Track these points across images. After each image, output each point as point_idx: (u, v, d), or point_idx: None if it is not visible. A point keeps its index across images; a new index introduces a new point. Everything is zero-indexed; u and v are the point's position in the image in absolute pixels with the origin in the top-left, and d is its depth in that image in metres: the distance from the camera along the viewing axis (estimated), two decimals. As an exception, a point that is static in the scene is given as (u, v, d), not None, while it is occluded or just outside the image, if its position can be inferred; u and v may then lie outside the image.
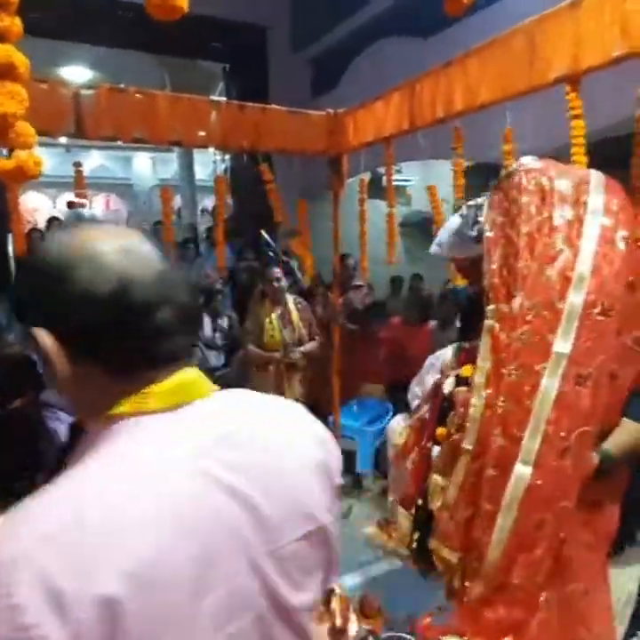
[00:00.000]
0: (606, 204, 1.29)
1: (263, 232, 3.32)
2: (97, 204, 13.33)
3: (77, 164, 2.64)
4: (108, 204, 14.03)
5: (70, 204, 8.38)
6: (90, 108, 2.45)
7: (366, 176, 3.47)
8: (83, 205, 2.64)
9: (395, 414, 3.19)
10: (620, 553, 1.46)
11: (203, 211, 11.53)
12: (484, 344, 1.35)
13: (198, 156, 11.84)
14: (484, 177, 4.12)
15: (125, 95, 2.54)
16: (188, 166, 11.64)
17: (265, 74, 6.71)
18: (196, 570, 0.53)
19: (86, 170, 2.67)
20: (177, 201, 11.47)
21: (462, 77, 2.22)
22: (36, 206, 12.42)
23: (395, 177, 3.14)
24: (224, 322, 4.93)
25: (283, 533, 0.61)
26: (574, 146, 1.90)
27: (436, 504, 1.49)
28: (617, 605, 1.54)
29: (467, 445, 1.36)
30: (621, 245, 1.27)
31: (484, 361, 1.35)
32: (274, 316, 3.69)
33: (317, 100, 5.89)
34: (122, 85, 2.59)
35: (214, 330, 4.90)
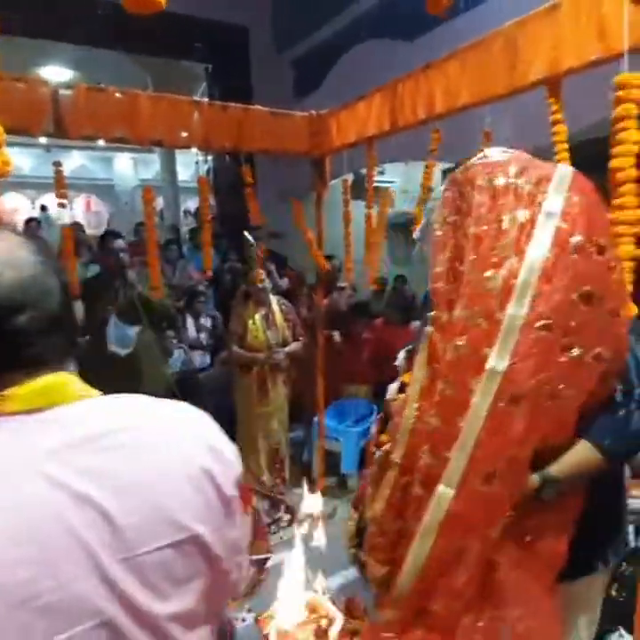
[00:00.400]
0: (566, 206, 1.15)
1: (246, 233, 3.30)
2: (77, 205, 13.15)
3: (57, 164, 2.60)
4: (88, 205, 13.84)
5: (43, 208, 8.23)
6: (69, 107, 2.43)
7: (349, 177, 3.48)
8: (63, 206, 2.60)
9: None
10: (580, 579, 1.35)
11: (185, 212, 11.45)
12: (422, 352, 1.25)
13: (180, 156, 11.75)
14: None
15: (105, 95, 2.52)
16: (170, 167, 11.54)
17: (247, 74, 6.70)
18: (29, 574, 0.53)
19: (67, 170, 2.63)
20: (159, 202, 11.37)
21: (443, 79, 2.24)
22: (15, 207, 12.22)
23: (378, 178, 3.15)
24: (207, 322, 4.91)
25: (141, 541, 0.60)
26: (558, 150, 1.92)
27: (368, 514, 1.39)
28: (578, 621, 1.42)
29: (395, 458, 1.26)
30: (575, 252, 1.12)
31: (420, 370, 1.24)
32: (257, 316, 3.67)
33: (301, 100, 5.90)
34: (102, 85, 2.57)
35: (198, 330, 4.88)
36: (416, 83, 2.38)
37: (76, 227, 6.54)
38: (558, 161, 1.91)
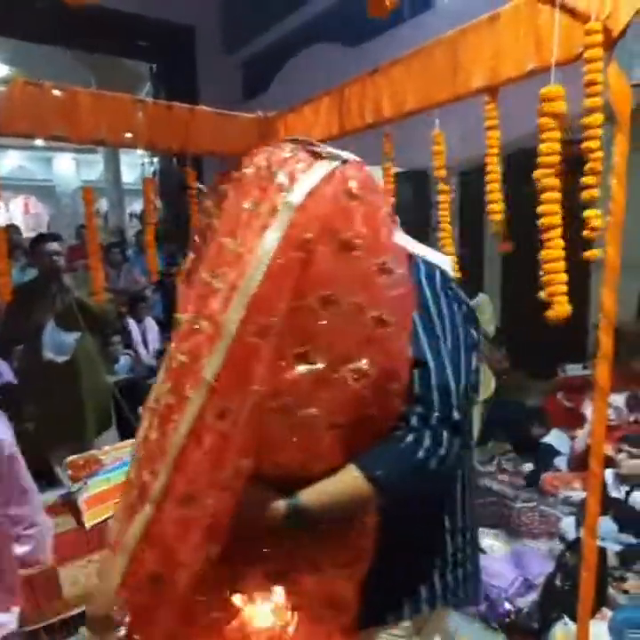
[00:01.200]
0: (311, 196, 0.97)
1: (196, 237, 3.24)
2: (15, 207, 12.57)
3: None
4: (26, 207, 13.26)
5: None
6: (3, 102, 2.31)
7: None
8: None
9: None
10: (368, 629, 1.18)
11: (131, 215, 11.15)
12: (165, 359, 1.10)
13: (125, 157, 11.43)
14: (413, 184, 4.26)
15: (43, 90, 2.41)
16: (114, 168, 11.21)
17: (193, 75, 6.60)
18: None
19: (3, 170, 2.51)
20: (103, 204, 11.03)
21: (389, 85, 2.27)
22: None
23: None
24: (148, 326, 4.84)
25: None
26: (489, 155, 1.99)
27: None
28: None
29: (130, 473, 1.12)
30: (307, 251, 0.96)
31: (160, 380, 1.09)
32: None
33: (249, 103, 5.86)
34: (40, 81, 2.45)
35: (143, 335, 4.79)
36: (363, 87, 2.40)
37: (12, 229, 6.24)
38: (487, 166, 1.99)
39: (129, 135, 2.66)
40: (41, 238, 3.26)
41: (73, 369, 3.00)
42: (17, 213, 12.35)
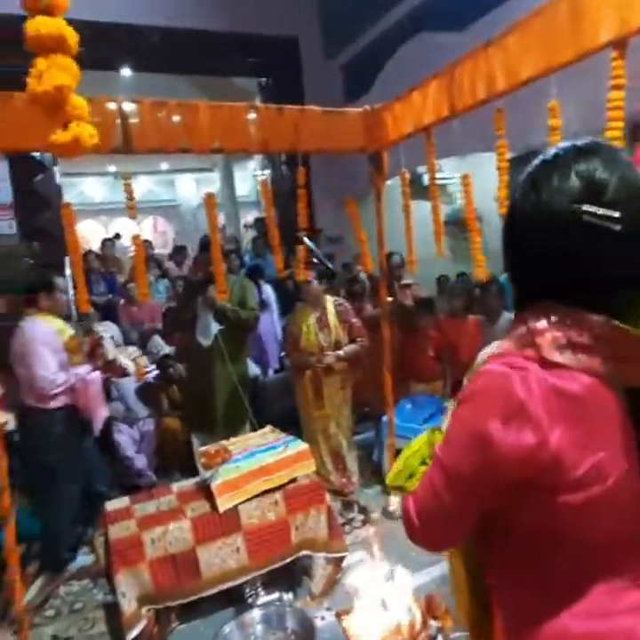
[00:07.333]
0: None
1: (306, 239, 3.33)
2: (145, 227, 13.80)
3: (126, 177, 2.71)
4: (155, 226, 14.51)
5: (117, 236, 9.06)
6: (135, 122, 2.54)
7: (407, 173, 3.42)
8: (134, 217, 2.73)
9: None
10: None
11: (245, 226, 11.74)
12: None
13: (238, 173, 12.09)
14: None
15: (167, 108, 2.61)
16: (229, 184, 11.92)
17: (300, 83, 6.81)
18: None
19: (136, 195, 2.78)
20: (221, 218, 11.74)
21: (503, 56, 2.16)
22: (90, 233, 12.99)
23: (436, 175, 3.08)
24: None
25: None
26: (611, 119, 1.80)
27: None
28: None
29: None
30: None
31: None
32: (311, 318, 3.67)
33: (352, 103, 5.91)
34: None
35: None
36: (474, 63, 2.32)
37: (147, 244, 6.87)
38: (608, 131, 1.80)
39: (243, 139, 2.80)
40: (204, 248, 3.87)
41: (215, 352, 3.63)
42: (147, 232, 13.56)
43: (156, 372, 3.72)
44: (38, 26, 1.36)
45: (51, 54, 1.37)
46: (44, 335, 2.97)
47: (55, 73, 1.36)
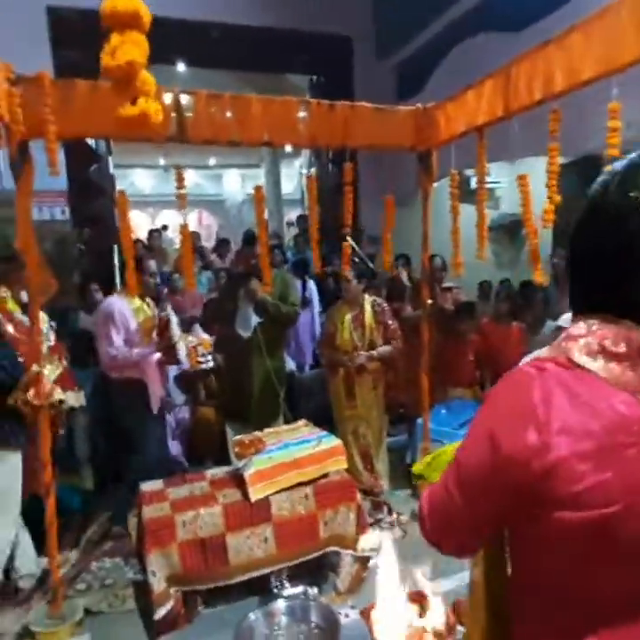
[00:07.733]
0: None
1: (349, 238, 3.32)
2: (191, 220, 14.08)
3: (177, 166, 2.76)
4: (200, 220, 14.79)
5: (164, 227, 9.29)
6: (189, 114, 2.59)
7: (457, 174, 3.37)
8: (183, 207, 2.78)
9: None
10: None
11: (288, 223, 11.82)
12: None
13: (285, 170, 12.17)
14: (583, 172, 3.89)
15: (222, 100, 2.66)
16: (275, 180, 12.01)
17: (350, 83, 6.79)
18: None
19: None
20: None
21: (563, 55, 2.10)
22: (138, 224, 13.35)
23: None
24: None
25: None
26: None
27: None
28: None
29: None
30: None
31: None
32: (348, 317, 3.66)
33: (403, 105, 5.85)
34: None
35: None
36: (532, 63, 2.26)
37: (194, 235, 7.02)
38: None
39: (293, 133, 2.81)
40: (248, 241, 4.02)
41: (253, 344, 3.67)
42: (193, 225, 13.83)
43: (211, 364, 3.72)
44: (115, 2, 1.39)
45: (126, 30, 1.40)
46: (117, 313, 3.22)
47: (128, 48, 1.39)
